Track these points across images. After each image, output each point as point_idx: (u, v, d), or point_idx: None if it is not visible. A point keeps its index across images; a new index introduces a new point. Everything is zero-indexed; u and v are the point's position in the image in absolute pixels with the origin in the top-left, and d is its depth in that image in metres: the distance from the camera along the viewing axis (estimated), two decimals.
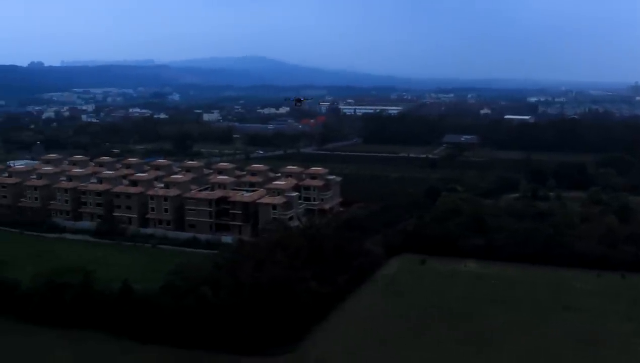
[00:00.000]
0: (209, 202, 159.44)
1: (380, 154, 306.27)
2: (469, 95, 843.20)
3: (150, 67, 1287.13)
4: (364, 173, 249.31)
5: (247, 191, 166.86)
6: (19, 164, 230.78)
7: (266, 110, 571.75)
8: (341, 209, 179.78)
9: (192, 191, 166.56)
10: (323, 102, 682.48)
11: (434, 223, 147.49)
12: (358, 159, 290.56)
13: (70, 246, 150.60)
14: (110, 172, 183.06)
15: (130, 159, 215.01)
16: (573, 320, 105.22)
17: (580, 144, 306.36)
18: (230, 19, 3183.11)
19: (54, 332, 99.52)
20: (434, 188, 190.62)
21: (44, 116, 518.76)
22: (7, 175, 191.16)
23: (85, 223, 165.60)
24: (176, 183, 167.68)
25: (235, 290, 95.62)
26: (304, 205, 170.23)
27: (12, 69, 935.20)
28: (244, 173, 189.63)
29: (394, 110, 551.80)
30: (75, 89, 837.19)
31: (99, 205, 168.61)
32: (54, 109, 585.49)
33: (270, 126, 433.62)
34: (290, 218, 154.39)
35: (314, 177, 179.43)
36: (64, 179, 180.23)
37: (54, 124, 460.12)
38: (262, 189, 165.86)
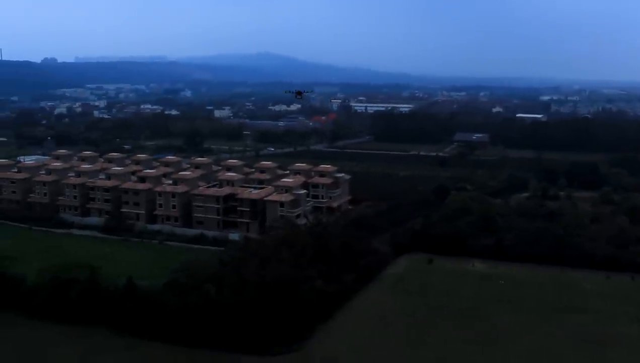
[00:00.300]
0: (217, 198, 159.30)
1: (390, 152, 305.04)
2: (481, 94, 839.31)
3: (162, 64, 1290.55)
4: (374, 171, 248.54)
5: (255, 188, 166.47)
6: (29, 160, 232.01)
7: (277, 107, 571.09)
8: (350, 207, 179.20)
9: (200, 188, 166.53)
10: (334, 99, 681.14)
11: (443, 223, 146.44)
12: (368, 157, 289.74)
13: (78, 242, 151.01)
14: (119, 168, 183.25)
15: (139, 155, 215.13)
16: (581, 321, 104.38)
17: (593, 144, 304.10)
18: (243, 15, 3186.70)
19: (59, 328, 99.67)
20: (443, 187, 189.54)
21: (56, 112, 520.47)
22: (16, 170, 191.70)
23: (93, 219, 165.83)
24: (184, 180, 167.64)
25: (239, 288, 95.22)
26: (312, 202, 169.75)
27: (26, 65, 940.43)
28: (253, 170, 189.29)
29: (405, 108, 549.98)
30: (88, 85, 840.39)
31: (107, 201, 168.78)
32: (67, 104, 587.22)
33: (281, 123, 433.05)
34: (298, 216, 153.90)
35: (322, 174, 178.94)
36: (73, 174, 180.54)
37: (66, 119, 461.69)
38: (270, 186, 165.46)
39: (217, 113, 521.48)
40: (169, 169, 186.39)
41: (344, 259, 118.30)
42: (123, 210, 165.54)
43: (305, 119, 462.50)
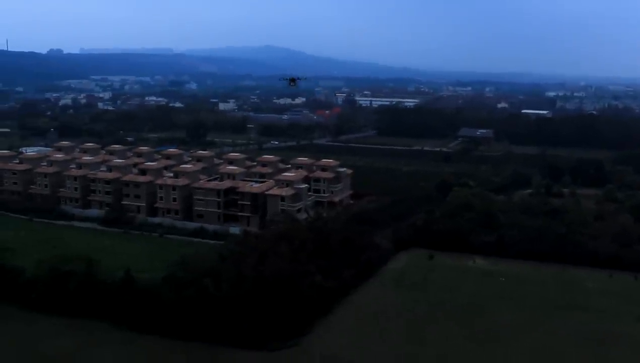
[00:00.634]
0: (218, 192, 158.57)
1: (394, 147, 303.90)
2: (487, 89, 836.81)
3: (168, 56, 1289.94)
4: (377, 166, 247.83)
5: (256, 182, 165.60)
6: (31, 151, 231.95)
7: (282, 101, 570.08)
8: (351, 202, 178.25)
9: (201, 181, 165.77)
10: (339, 93, 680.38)
11: (444, 218, 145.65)
12: (372, 152, 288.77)
13: (79, 234, 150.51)
14: (120, 161, 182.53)
15: (141, 148, 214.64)
16: (583, 320, 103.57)
17: (598, 140, 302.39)
18: (250, 8, 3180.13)
19: (57, 320, 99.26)
20: (445, 182, 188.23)
21: (60, 103, 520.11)
22: (18, 161, 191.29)
23: (94, 212, 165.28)
24: (185, 173, 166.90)
25: (237, 282, 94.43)
26: (313, 197, 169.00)
27: (31, 56, 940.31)
28: (255, 164, 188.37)
29: (410, 102, 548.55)
30: (93, 77, 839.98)
31: (108, 193, 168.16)
32: (71, 96, 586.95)
33: (285, 116, 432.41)
34: (299, 211, 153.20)
35: (324, 169, 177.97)
36: (74, 166, 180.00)
37: (71, 111, 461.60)
38: (271, 180, 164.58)
39: (222, 106, 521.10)
40: (170, 162, 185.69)
41: (344, 254, 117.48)
42: (124, 202, 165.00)
43: (310, 113, 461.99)
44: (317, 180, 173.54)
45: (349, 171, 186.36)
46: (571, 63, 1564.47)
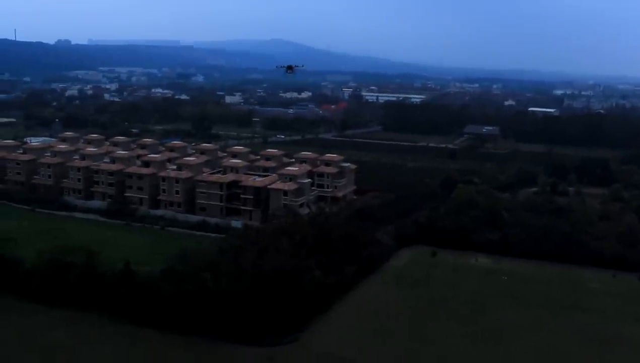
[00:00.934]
0: (220, 185, 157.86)
1: (399, 143, 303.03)
2: (495, 86, 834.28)
3: (176, 48, 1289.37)
4: (382, 161, 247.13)
5: (259, 176, 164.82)
6: (35, 141, 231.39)
7: (288, 95, 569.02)
8: (355, 197, 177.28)
9: (204, 174, 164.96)
10: (346, 88, 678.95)
11: (448, 216, 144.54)
12: (377, 147, 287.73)
13: (81, 225, 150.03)
14: (124, 152, 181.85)
15: (145, 140, 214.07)
16: (586, 320, 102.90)
17: (605, 139, 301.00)
18: (259, 1, 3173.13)
19: (56, 312, 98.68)
20: (450, 179, 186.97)
21: (67, 94, 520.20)
22: (22, 151, 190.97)
23: (96, 203, 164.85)
24: (188, 166, 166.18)
25: (236, 277, 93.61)
26: (316, 192, 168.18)
27: (39, 46, 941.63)
28: (258, 157, 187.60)
29: (416, 98, 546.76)
30: (100, 68, 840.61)
31: (110, 185, 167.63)
32: (78, 87, 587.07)
33: (291, 110, 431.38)
34: (301, 205, 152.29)
35: (328, 163, 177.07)
36: (78, 157, 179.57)
37: (77, 101, 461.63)
38: (274, 175, 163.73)
39: (228, 99, 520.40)
40: (174, 154, 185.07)
41: (345, 250, 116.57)
42: (126, 194, 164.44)
43: (316, 107, 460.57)
44: (321, 174, 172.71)
45: (353, 166, 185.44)
46: (580, 61, 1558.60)
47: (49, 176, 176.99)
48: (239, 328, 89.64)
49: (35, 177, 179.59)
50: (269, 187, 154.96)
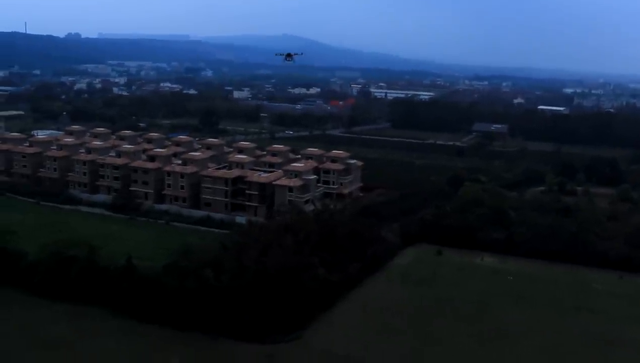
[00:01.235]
0: (226, 181, 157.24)
1: (407, 140, 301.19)
2: (504, 84, 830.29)
3: (185, 42, 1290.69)
4: (389, 158, 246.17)
5: (264, 172, 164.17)
6: (42, 134, 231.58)
7: (297, 90, 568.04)
8: (361, 194, 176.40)
9: (210, 169, 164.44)
10: (354, 84, 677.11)
11: (454, 214, 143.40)
12: (384, 144, 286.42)
13: (85, 219, 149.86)
14: (130, 146, 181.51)
15: (151, 134, 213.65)
16: (591, 321, 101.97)
17: (615, 139, 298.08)
18: None
19: (58, 306, 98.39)
20: (457, 177, 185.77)
21: (75, 87, 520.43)
22: (28, 144, 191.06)
23: (101, 197, 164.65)
24: (194, 161, 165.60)
25: (238, 273, 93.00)
26: (322, 188, 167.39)
27: (49, 39, 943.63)
28: (264, 153, 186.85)
29: (425, 95, 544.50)
30: (110, 62, 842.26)
31: (116, 179, 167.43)
32: (87, 80, 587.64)
33: (299, 106, 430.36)
34: (307, 202, 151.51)
35: (334, 160, 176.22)
36: (84, 151, 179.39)
37: (85, 95, 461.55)
38: (280, 171, 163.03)
39: (236, 94, 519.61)
40: (180, 149, 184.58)
41: (350, 247, 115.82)
42: (132, 188, 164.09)
43: (324, 103, 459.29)
44: (327, 171, 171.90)
45: (360, 163, 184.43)
46: (591, 59, 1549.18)
47: (55, 169, 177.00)
48: (241, 325, 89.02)
49: (41, 170, 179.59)
50: (274, 183, 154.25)
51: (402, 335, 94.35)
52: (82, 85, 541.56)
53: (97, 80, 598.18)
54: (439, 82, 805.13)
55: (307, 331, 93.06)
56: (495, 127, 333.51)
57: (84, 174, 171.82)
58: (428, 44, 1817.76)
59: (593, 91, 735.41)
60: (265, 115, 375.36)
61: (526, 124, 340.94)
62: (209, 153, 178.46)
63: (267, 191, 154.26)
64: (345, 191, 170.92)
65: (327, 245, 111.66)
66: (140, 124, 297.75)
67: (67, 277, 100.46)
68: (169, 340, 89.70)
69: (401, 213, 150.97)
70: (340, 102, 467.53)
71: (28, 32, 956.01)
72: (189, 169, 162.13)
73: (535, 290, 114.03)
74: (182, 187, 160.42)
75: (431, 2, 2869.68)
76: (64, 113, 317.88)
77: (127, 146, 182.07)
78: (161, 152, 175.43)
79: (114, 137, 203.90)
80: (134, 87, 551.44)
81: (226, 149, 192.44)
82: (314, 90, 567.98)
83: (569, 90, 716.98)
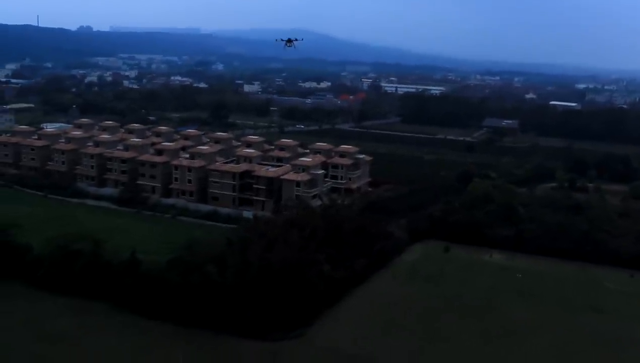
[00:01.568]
0: (233, 175, 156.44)
1: (417, 135, 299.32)
2: (516, 79, 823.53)
3: (196, 36, 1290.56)
4: (399, 153, 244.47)
5: (272, 166, 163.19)
6: (51, 127, 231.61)
7: (307, 84, 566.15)
8: (369, 189, 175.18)
9: (217, 163, 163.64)
10: (365, 78, 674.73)
11: (462, 210, 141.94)
12: (394, 139, 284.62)
13: (92, 212, 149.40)
14: (138, 140, 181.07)
15: (160, 128, 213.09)
16: (601, 320, 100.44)
17: (628, 135, 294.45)
18: None
19: (62, 300, 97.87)
20: (467, 173, 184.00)
21: (86, 80, 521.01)
22: (36, 137, 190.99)
23: (109, 190, 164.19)
24: (201, 155, 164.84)
25: (242, 269, 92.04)
26: (330, 183, 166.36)
27: (61, 32, 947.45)
28: (273, 147, 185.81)
29: (436, 90, 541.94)
30: (121, 55, 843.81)
31: (123, 172, 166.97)
32: (98, 73, 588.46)
33: (309, 100, 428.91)
34: (314, 197, 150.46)
35: (342, 155, 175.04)
36: (92, 144, 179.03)
37: (96, 88, 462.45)
38: (287, 165, 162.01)
39: (247, 88, 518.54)
40: (188, 143, 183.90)
41: (356, 243, 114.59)
42: (139, 182, 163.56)
43: (334, 97, 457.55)
44: (335, 166, 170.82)
45: (368, 158, 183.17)
46: (604, 55, 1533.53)
47: (63, 162, 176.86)
48: (244, 321, 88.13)
49: (49, 163, 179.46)
50: (281, 177, 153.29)
51: (409, 332, 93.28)
52: (92, 78, 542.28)
53: (108, 73, 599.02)
54: (450, 77, 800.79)
55: (313, 328, 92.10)
56: (506, 122, 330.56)
57: (92, 167, 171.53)
58: (440, 38, 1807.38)
59: (606, 87, 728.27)
60: (275, 109, 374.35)
61: (537, 119, 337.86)
62: (217, 147, 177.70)
63: (274, 186, 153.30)
64: (354, 186, 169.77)
65: (334, 241, 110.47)
66: (150, 118, 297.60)
67: (72, 271, 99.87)
68: (171, 336, 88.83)
69: (409, 208, 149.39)
70: (351, 96, 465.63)
71: (40, 25, 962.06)
72: (197, 162, 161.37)
73: (544, 288, 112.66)
74: (190, 181, 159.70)
75: None
76: (74, 106, 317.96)
77: (134, 139, 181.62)
78: (169, 145, 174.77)
79: (122, 130, 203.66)
80: (144, 80, 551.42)
81: (235, 143, 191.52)
82: (324, 84, 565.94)
83: (581, 86, 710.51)
